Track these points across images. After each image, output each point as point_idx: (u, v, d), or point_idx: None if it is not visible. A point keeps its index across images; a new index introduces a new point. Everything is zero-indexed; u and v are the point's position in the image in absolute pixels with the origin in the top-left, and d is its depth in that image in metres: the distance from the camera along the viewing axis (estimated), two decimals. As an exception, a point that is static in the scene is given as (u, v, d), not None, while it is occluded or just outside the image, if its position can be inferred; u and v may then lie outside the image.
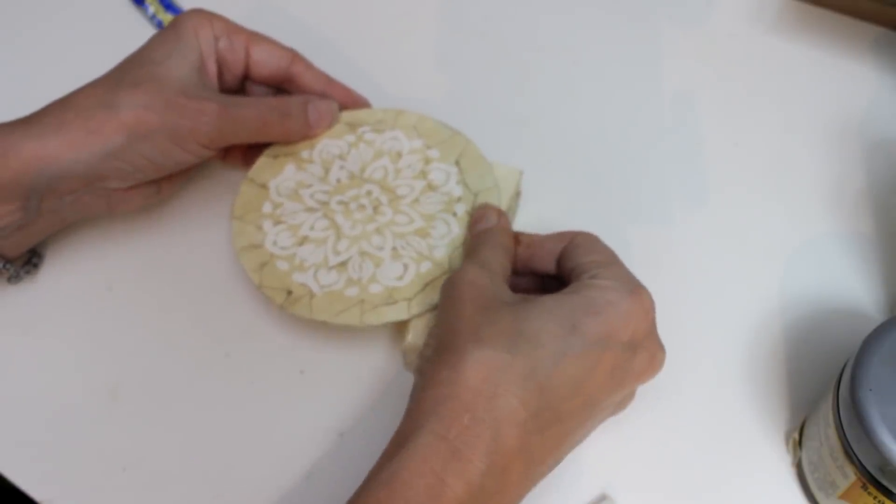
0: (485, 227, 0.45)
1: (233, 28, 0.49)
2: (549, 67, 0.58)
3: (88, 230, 0.51)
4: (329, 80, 0.51)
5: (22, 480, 0.45)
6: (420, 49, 0.59)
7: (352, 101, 0.51)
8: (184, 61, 0.47)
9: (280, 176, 0.49)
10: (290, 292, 0.45)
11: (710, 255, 0.51)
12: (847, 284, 0.50)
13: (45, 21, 0.61)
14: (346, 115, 0.51)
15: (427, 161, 0.49)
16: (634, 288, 0.40)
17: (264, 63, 0.50)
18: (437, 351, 0.39)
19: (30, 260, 0.50)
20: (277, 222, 0.48)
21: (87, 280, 0.50)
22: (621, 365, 0.39)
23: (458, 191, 0.48)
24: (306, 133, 0.49)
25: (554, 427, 0.38)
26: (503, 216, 0.46)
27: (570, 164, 0.54)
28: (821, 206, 0.52)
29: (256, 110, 0.47)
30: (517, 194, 0.50)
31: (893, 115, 0.55)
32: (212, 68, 0.48)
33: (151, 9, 0.61)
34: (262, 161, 0.50)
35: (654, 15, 0.60)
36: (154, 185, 0.49)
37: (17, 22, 0.61)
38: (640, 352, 0.40)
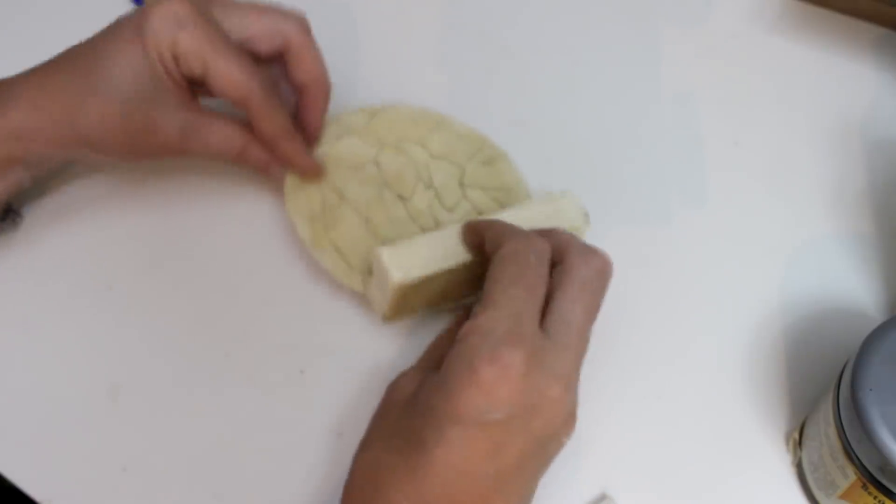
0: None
1: (192, 43, 0.44)
2: (549, 67, 0.58)
3: (89, 229, 0.51)
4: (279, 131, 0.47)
5: (22, 480, 0.45)
6: (420, 49, 0.59)
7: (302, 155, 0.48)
8: (141, 70, 0.44)
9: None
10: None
11: (711, 254, 0.51)
12: (847, 284, 0.50)
13: (45, 20, 0.61)
14: (382, 124, 0.51)
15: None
16: (502, 343, 0.35)
17: (219, 93, 0.46)
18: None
19: (6, 216, 0.50)
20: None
21: (88, 280, 0.50)
22: (506, 437, 0.36)
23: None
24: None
25: None
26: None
27: (569, 164, 0.54)
28: (821, 206, 0.52)
29: (218, 135, 0.47)
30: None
31: (894, 115, 0.55)
32: (172, 81, 0.45)
33: (151, 9, 0.60)
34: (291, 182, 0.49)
35: (655, 15, 0.60)
36: None
37: (15, 21, 0.61)
38: (535, 415, 0.36)
